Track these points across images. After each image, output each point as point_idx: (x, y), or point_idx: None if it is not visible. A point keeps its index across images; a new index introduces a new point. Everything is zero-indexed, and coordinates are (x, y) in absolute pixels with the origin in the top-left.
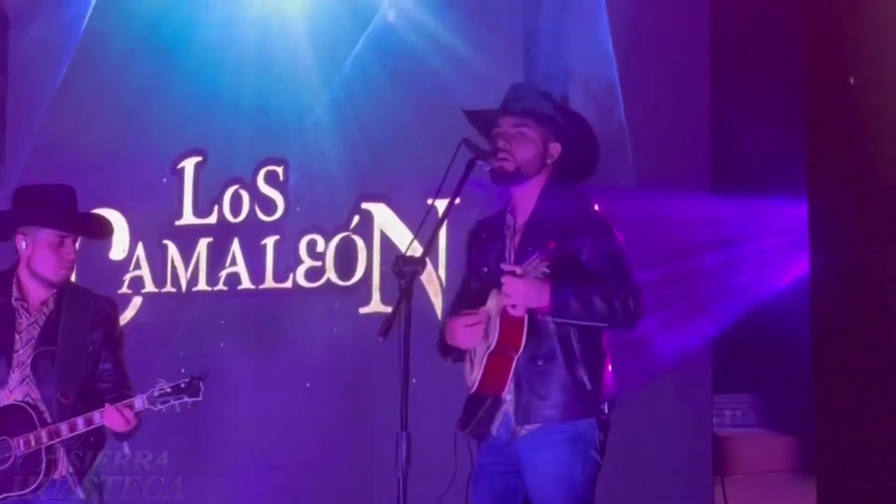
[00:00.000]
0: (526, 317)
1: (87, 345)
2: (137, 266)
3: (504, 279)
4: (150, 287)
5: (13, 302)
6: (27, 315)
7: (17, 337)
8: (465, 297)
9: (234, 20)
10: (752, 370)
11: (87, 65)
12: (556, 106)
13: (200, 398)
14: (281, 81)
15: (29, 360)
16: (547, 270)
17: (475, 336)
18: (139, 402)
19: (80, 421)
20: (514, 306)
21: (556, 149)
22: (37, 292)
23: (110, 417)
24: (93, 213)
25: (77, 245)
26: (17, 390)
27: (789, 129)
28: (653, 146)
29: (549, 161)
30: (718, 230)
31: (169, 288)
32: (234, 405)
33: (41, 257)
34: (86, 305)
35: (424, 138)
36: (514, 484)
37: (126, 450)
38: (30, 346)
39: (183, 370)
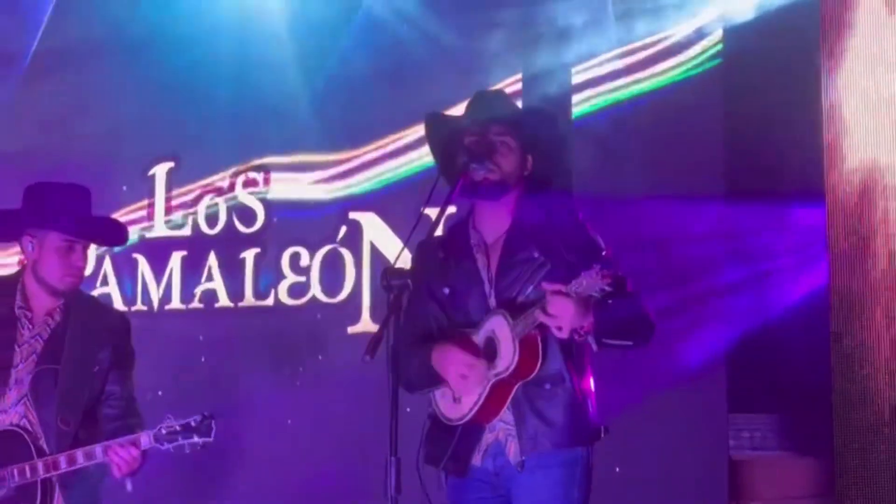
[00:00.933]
0: (540, 339)
1: (93, 364)
2: (105, 282)
3: (551, 298)
4: (118, 305)
5: (16, 310)
6: (30, 326)
7: (17, 350)
8: (421, 323)
9: (209, 12)
10: (772, 389)
11: (49, 65)
12: (532, 112)
13: (212, 439)
14: (260, 79)
15: (28, 379)
16: (608, 289)
17: (471, 384)
18: (145, 439)
19: (79, 455)
20: (559, 328)
21: (529, 161)
22: (42, 301)
23: (113, 456)
24: (107, 218)
25: (88, 251)
26: (12, 411)
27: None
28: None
29: (524, 173)
30: (734, 244)
31: (139, 306)
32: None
33: (47, 262)
34: (96, 319)
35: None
36: None
37: (129, 486)
38: (31, 363)
39: (160, 392)
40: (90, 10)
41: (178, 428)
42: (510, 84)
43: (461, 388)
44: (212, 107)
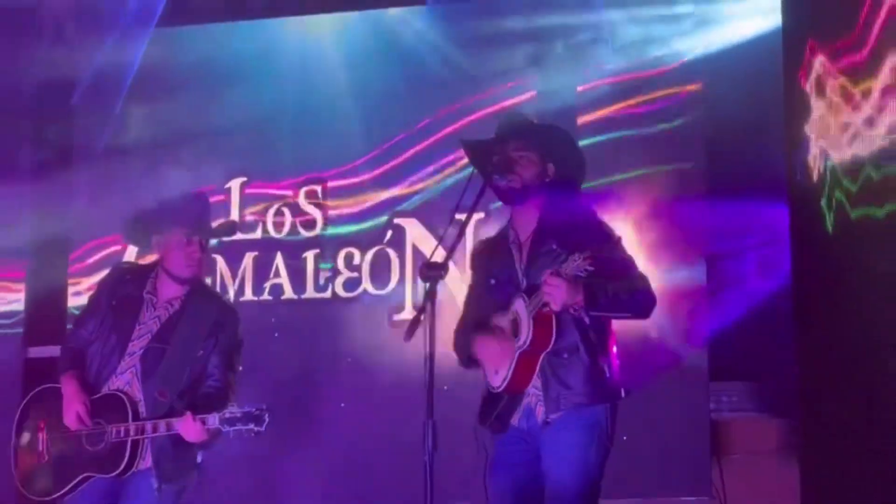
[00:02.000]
0: (554, 316)
1: (198, 349)
2: None
3: (546, 278)
4: None
5: (144, 294)
6: (152, 309)
7: (137, 327)
8: (474, 308)
9: (274, 51)
10: (747, 361)
11: (142, 98)
12: (546, 128)
13: (263, 430)
14: (318, 105)
15: (139, 353)
16: (591, 268)
17: (496, 349)
18: (212, 419)
19: (161, 425)
20: (554, 304)
21: (551, 168)
22: (167, 289)
23: (185, 426)
24: (223, 220)
25: (205, 245)
26: (121, 377)
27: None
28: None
29: (546, 179)
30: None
31: None
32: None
33: (171, 255)
34: (208, 311)
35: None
36: (536, 472)
37: (199, 458)
38: (144, 339)
39: (240, 368)
40: (181, 48)
41: (239, 415)
42: (525, 100)
43: (494, 366)
44: (278, 129)
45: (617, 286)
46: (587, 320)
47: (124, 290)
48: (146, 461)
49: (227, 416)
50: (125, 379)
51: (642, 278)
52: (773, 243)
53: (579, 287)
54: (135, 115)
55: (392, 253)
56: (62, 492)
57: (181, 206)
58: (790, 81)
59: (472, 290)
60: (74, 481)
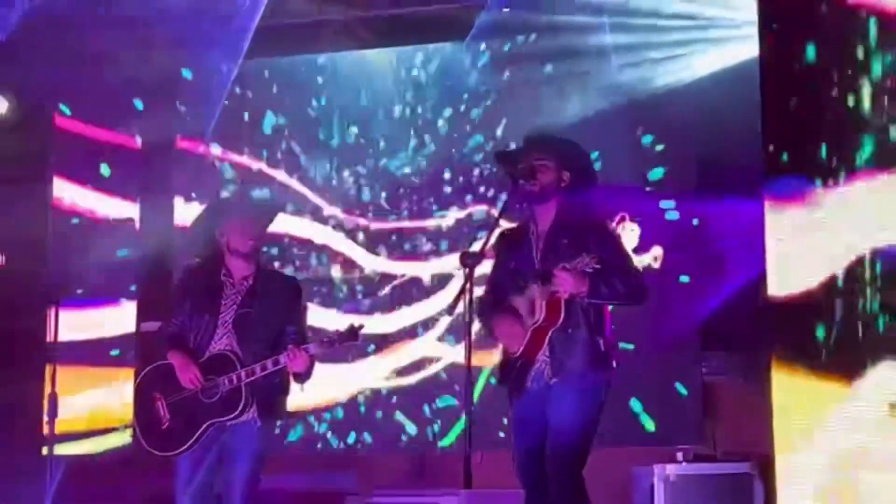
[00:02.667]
0: (563, 300)
1: (275, 311)
2: None
3: (557, 272)
4: None
5: (222, 277)
6: (231, 286)
7: (222, 303)
8: (495, 285)
9: (342, 81)
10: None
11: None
12: (564, 141)
13: (358, 341)
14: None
15: (231, 320)
16: (598, 266)
17: (513, 328)
18: (313, 348)
19: (269, 362)
20: (564, 292)
21: (567, 175)
22: (238, 269)
23: (292, 358)
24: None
25: (259, 224)
26: (220, 342)
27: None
28: None
29: (562, 185)
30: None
31: None
32: None
33: (232, 238)
34: (276, 282)
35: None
36: (545, 426)
37: (301, 390)
38: (231, 310)
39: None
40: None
41: (335, 336)
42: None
43: (509, 341)
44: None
45: (615, 279)
46: (589, 304)
47: (202, 282)
48: (252, 409)
49: (325, 339)
50: (224, 343)
51: (637, 272)
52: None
53: (585, 280)
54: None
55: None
56: (189, 443)
57: (238, 199)
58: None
59: (495, 269)
60: (199, 431)
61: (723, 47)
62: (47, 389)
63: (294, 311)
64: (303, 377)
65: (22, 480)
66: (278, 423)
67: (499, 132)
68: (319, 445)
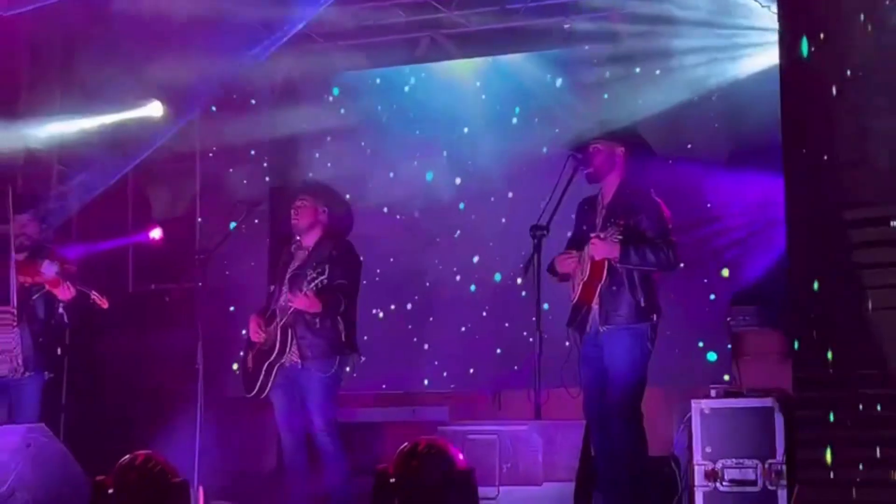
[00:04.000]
0: (606, 262)
1: (324, 270)
2: None
3: (592, 241)
4: None
5: (292, 248)
6: (297, 253)
7: (290, 267)
8: (571, 243)
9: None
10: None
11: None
12: (618, 131)
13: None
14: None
15: (287, 278)
16: (620, 237)
17: (569, 265)
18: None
19: (288, 310)
20: (597, 255)
21: (621, 151)
22: (305, 239)
23: (291, 299)
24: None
25: (304, 214)
26: (283, 297)
27: None
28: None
29: (617, 160)
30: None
31: None
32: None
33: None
34: (327, 245)
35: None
36: (602, 367)
37: (343, 336)
38: (292, 271)
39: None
40: (370, 98)
41: (326, 280)
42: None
43: (562, 266)
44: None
45: (647, 249)
46: (620, 268)
47: (282, 252)
48: (292, 353)
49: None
50: (284, 299)
51: (670, 244)
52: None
53: (615, 246)
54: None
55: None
56: (259, 383)
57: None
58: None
59: (574, 231)
60: (262, 374)
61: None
62: (199, 340)
63: (342, 268)
64: (313, 314)
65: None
66: (333, 368)
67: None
68: (426, 381)
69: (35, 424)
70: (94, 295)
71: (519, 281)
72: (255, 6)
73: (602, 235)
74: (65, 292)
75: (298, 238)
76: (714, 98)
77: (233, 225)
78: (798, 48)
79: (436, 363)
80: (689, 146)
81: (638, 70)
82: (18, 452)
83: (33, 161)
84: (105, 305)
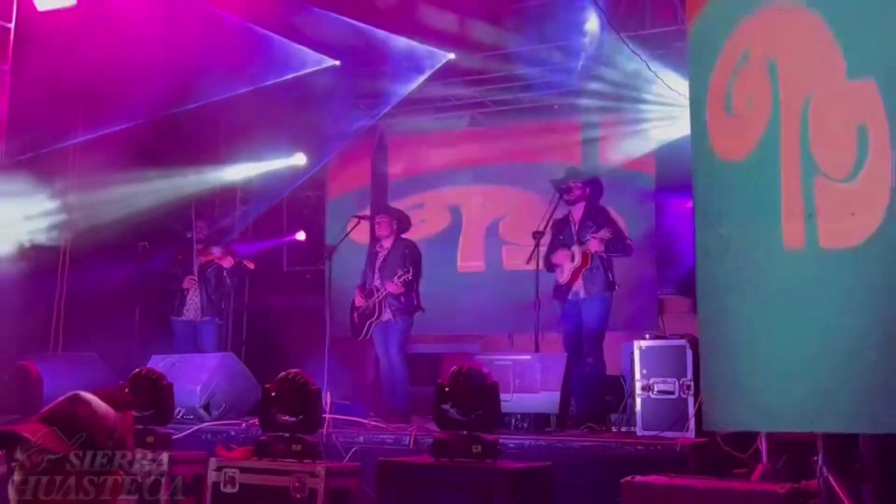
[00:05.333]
0: (591, 253)
1: (408, 269)
2: None
3: (590, 238)
4: None
5: (377, 248)
6: (381, 250)
7: (377, 259)
8: (551, 247)
9: None
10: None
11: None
12: (584, 174)
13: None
14: None
15: (377, 266)
16: (609, 236)
17: (562, 258)
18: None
19: (384, 289)
20: (593, 250)
21: (587, 190)
22: (383, 242)
23: (388, 286)
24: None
25: (383, 226)
26: (376, 278)
27: None
28: None
29: (586, 194)
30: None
31: None
32: None
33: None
34: (403, 245)
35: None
36: (580, 321)
37: (417, 302)
38: (380, 262)
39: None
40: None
41: (410, 278)
42: None
43: (561, 277)
44: None
45: (618, 243)
46: (605, 256)
47: (372, 249)
48: (385, 314)
49: (408, 277)
50: (378, 281)
51: (628, 240)
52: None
53: (603, 243)
54: None
55: None
56: (363, 333)
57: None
58: None
59: (552, 239)
60: (365, 328)
61: None
62: (325, 300)
63: (410, 261)
64: (396, 294)
65: (308, 360)
66: (407, 321)
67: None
68: (467, 327)
69: (226, 353)
70: (245, 261)
71: (528, 264)
72: (370, 80)
73: (596, 236)
74: (227, 262)
75: (380, 240)
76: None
77: (347, 230)
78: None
79: (472, 316)
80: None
81: (600, 134)
82: (217, 371)
83: (225, 191)
84: (252, 267)
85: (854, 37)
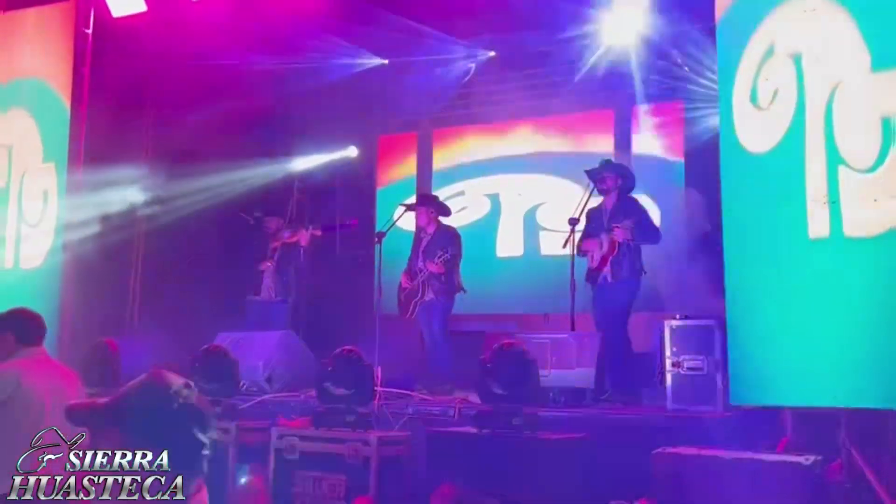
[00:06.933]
0: (618, 241)
1: (447, 250)
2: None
3: (615, 227)
4: None
5: (421, 234)
6: (425, 236)
7: (419, 247)
8: (584, 235)
9: None
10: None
11: None
12: (617, 166)
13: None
14: None
15: (421, 250)
16: (633, 225)
17: (592, 245)
18: (441, 259)
19: (426, 269)
20: (619, 237)
21: (619, 181)
22: (426, 228)
23: (429, 266)
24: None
25: (421, 216)
26: (420, 262)
27: None
28: None
29: (618, 185)
30: None
31: None
32: None
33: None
34: (445, 231)
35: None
36: (608, 302)
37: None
38: (424, 246)
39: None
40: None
41: (449, 256)
42: None
43: (592, 261)
44: None
45: (645, 232)
46: (631, 244)
47: (417, 235)
48: (428, 293)
49: (447, 257)
50: (422, 264)
51: (656, 228)
52: None
53: (629, 232)
54: None
55: None
56: (409, 312)
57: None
58: None
59: (586, 227)
60: (411, 306)
61: None
62: (375, 281)
63: (450, 244)
64: (438, 275)
65: (360, 338)
66: (448, 301)
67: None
68: (507, 307)
69: (286, 330)
70: (313, 230)
71: (564, 249)
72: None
73: (621, 225)
74: (303, 238)
75: (424, 227)
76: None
77: (395, 218)
78: None
79: (511, 298)
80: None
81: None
82: (277, 347)
83: (287, 181)
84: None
85: (879, 28)
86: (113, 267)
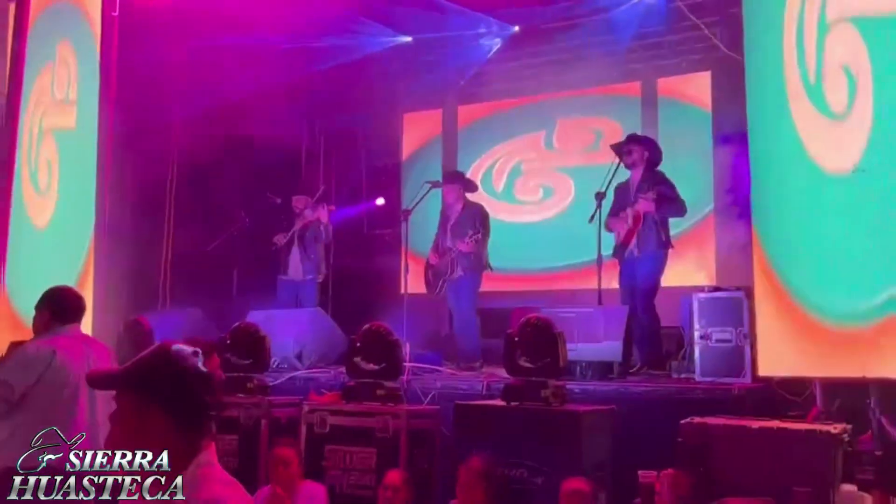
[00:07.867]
0: (643, 214)
1: (477, 229)
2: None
3: (639, 198)
4: None
5: (449, 212)
6: (453, 214)
7: (449, 222)
8: (613, 210)
9: None
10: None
11: None
12: (643, 139)
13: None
14: None
15: (448, 228)
16: (654, 197)
17: (618, 221)
18: (472, 238)
19: (455, 248)
20: (643, 209)
21: (646, 153)
22: (454, 206)
23: (461, 245)
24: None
25: (449, 193)
26: (448, 240)
27: None
28: None
29: (644, 158)
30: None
31: None
32: None
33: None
34: (469, 209)
35: None
36: (636, 275)
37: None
38: (451, 225)
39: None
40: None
41: (480, 237)
42: None
43: (619, 236)
44: None
45: (668, 204)
46: (657, 218)
47: (444, 212)
48: (458, 271)
49: (478, 237)
50: (450, 242)
51: (681, 200)
52: None
53: (653, 204)
54: None
55: None
56: (438, 289)
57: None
58: None
59: (614, 201)
60: (439, 284)
61: None
62: (402, 259)
63: (478, 222)
64: (467, 254)
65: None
66: (476, 278)
67: None
68: (536, 283)
69: (315, 308)
70: (325, 211)
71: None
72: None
73: (644, 197)
74: (324, 215)
75: (451, 204)
76: None
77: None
78: None
79: (541, 272)
80: None
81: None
82: (307, 324)
83: (310, 160)
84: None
85: None
86: (143, 247)
